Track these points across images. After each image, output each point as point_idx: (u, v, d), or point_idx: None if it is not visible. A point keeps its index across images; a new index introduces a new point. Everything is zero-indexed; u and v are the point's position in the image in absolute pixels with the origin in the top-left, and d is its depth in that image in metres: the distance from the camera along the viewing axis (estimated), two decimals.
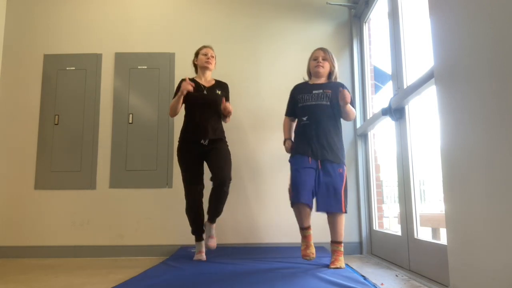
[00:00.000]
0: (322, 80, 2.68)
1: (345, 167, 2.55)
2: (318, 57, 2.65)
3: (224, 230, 3.38)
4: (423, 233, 2.49)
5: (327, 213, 2.50)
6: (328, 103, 2.56)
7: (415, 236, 2.39)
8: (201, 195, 2.81)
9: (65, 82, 3.60)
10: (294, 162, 2.56)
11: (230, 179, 2.74)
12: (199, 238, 2.84)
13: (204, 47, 2.97)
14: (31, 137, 3.53)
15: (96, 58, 3.63)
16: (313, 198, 2.46)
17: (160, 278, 2.12)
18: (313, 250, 2.49)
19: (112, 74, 3.62)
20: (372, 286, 1.91)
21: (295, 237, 2.69)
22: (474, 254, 1.55)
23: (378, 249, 3.14)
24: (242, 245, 3.36)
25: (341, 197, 2.45)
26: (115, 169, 3.47)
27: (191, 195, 2.76)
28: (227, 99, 2.91)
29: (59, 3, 3.73)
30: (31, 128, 3.54)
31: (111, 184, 3.46)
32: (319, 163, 2.48)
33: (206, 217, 2.85)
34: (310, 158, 2.48)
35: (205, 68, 2.93)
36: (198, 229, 2.83)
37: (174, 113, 2.81)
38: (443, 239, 2.75)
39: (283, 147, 2.81)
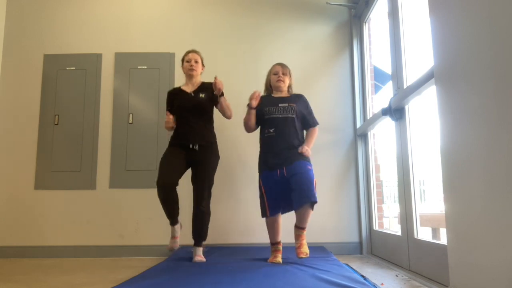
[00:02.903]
0: (284, 93, 2.82)
1: (311, 165, 2.64)
2: (279, 71, 2.81)
3: (225, 231, 3.38)
4: (423, 233, 2.50)
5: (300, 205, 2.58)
6: (294, 116, 2.70)
7: (415, 236, 2.39)
8: (175, 183, 2.70)
9: (65, 82, 3.60)
10: (262, 178, 2.69)
11: (208, 198, 2.79)
12: (173, 222, 2.82)
13: (189, 52, 2.96)
14: (31, 137, 3.53)
15: (96, 58, 3.63)
16: (286, 204, 2.64)
17: (160, 278, 2.12)
18: (279, 260, 2.64)
19: (112, 74, 3.62)
20: (372, 286, 1.91)
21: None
22: (474, 254, 1.55)
23: (378, 249, 3.14)
24: (242, 245, 3.36)
25: (313, 186, 2.51)
26: (115, 169, 3.47)
27: (162, 179, 2.66)
28: (216, 97, 2.89)
29: (59, 3, 3.73)
30: (31, 128, 3.54)
31: (111, 184, 3.46)
32: (284, 170, 2.58)
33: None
34: (278, 170, 2.60)
35: (190, 76, 2.94)
36: (170, 214, 2.78)
37: (170, 129, 2.91)
38: (443, 239, 2.75)
39: None
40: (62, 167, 3.48)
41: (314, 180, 2.56)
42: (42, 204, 3.44)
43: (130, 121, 3.54)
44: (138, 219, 3.42)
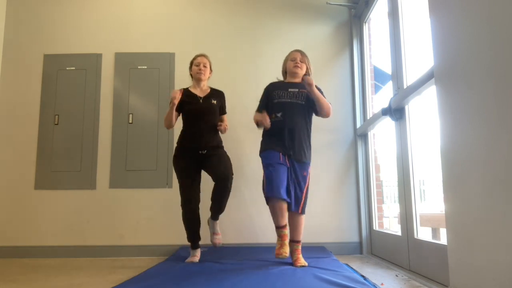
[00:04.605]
0: (298, 80, 2.72)
1: (309, 169, 2.59)
2: (296, 58, 2.71)
3: (225, 230, 3.37)
4: (423, 233, 2.50)
5: (288, 211, 2.53)
6: (303, 102, 2.60)
7: (415, 236, 2.39)
8: (198, 202, 2.78)
9: (65, 82, 3.60)
10: (266, 156, 2.55)
11: (232, 175, 2.75)
12: (194, 246, 2.81)
13: (198, 56, 2.94)
14: (31, 137, 3.53)
15: (96, 58, 3.63)
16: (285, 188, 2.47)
17: (160, 278, 2.12)
18: (287, 249, 2.44)
19: (112, 74, 3.62)
20: (372, 286, 1.91)
21: None
22: (474, 254, 1.55)
23: (378, 249, 3.14)
24: (243, 245, 3.36)
25: (302, 199, 2.51)
26: (115, 169, 3.47)
27: (188, 203, 2.74)
28: (223, 108, 2.94)
29: (59, 3, 3.73)
30: (31, 128, 3.54)
31: (111, 184, 3.46)
32: (286, 159, 2.51)
33: (204, 221, 2.84)
34: (281, 154, 2.50)
35: (198, 80, 2.91)
36: (193, 237, 2.80)
37: (169, 125, 2.82)
38: (443, 239, 2.75)
39: None
40: (62, 167, 3.48)
41: (305, 187, 2.52)
42: (42, 204, 3.44)
43: (130, 121, 3.54)
44: (138, 219, 3.42)
